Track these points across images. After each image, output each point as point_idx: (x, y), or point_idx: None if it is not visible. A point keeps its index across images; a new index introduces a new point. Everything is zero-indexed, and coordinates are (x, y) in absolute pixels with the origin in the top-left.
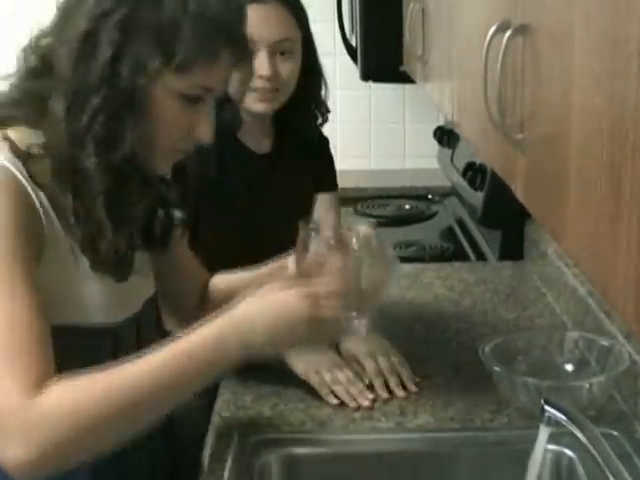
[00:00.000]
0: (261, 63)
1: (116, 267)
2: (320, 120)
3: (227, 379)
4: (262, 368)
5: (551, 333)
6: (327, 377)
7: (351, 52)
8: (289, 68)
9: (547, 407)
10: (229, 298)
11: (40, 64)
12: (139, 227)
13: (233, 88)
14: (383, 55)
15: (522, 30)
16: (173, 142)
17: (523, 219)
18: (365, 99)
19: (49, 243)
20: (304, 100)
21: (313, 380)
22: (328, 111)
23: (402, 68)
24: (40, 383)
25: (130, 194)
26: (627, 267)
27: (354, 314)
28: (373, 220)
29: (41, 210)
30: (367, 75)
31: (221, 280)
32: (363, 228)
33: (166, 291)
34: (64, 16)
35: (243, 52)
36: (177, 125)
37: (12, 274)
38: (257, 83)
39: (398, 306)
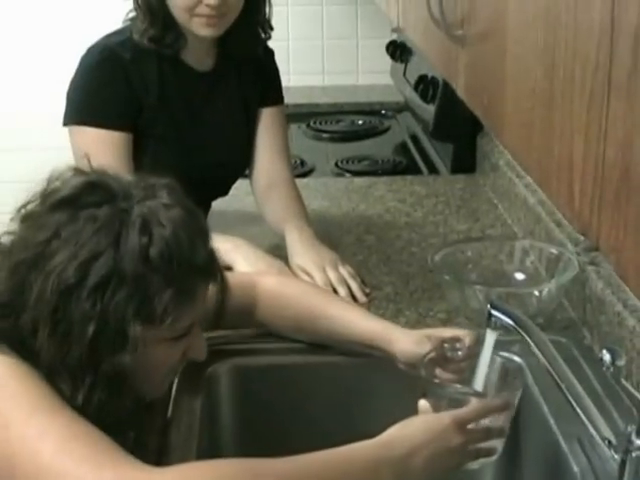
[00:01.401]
0: None
1: None
2: (263, 37)
3: None
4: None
5: (501, 242)
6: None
7: None
8: None
9: (494, 311)
10: None
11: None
12: None
13: (178, 12)
14: None
15: None
16: (167, 372)
17: (475, 132)
18: (317, 15)
19: None
20: (248, 19)
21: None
22: (271, 29)
23: None
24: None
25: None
26: (560, 152)
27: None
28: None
29: None
30: None
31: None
32: (463, 335)
33: None
34: (18, 275)
35: (213, 272)
36: (169, 361)
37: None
38: (204, 10)
39: (349, 218)
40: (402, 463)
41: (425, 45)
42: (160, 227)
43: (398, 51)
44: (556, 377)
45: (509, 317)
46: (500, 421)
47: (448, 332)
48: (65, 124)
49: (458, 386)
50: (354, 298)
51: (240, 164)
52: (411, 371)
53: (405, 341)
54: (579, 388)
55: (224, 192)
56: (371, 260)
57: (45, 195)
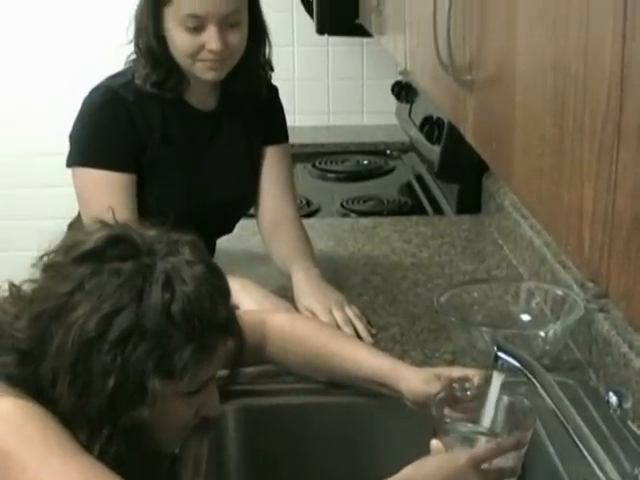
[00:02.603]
0: (211, 38)
1: None
2: (265, 77)
3: None
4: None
5: (507, 284)
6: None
7: (307, 6)
8: (238, 38)
9: (500, 353)
10: None
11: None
12: None
13: (181, 58)
14: (339, 8)
15: None
16: (181, 427)
17: (480, 172)
18: (323, 55)
19: None
20: (250, 61)
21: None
22: (272, 69)
23: (358, 21)
24: None
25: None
26: (570, 200)
27: None
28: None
29: None
30: (323, 29)
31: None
32: (473, 374)
33: None
34: (41, 328)
35: (232, 329)
36: (184, 416)
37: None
38: (207, 56)
39: (354, 258)
40: None
41: (432, 89)
42: (182, 284)
43: (403, 92)
44: (562, 419)
45: (515, 359)
46: (511, 460)
47: (457, 371)
48: (68, 165)
49: (470, 425)
50: (360, 339)
51: (244, 203)
52: (419, 410)
53: (413, 379)
54: (585, 430)
55: (229, 230)
56: (377, 301)
57: (69, 247)
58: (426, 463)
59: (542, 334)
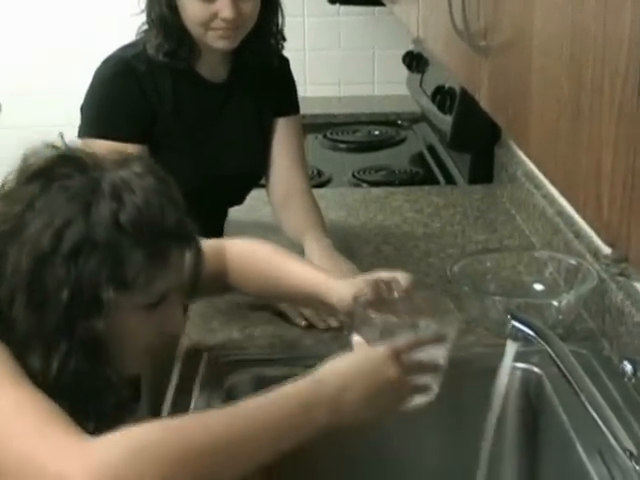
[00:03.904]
0: (224, 6)
1: None
2: (277, 47)
3: (195, 303)
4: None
5: (520, 253)
6: (307, 312)
7: None
8: (251, 6)
9: (514, 322)
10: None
11: None
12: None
13: (193, 26)
14: None
15: None
16: (144, 346)
17: (492, 142)
18: (334, 25)
19: None
20: (262, 31)
21: (282, 304)
22: (284, 39)
23: None
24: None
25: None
26: (588, 163)
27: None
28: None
29: None
30: None
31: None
32: (401, 277)
33: None
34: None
35: (185, 237)
36: (145, 333)
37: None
38: (219, 24)
39: (366, 228)
40: (335, 399)
41: (446, 56)
42: (131, 194)
43: (415, 62)
44: (576, 388)
45: (529, 327)
46: (434, 355)
47: (385, 274)
48: (80, 136)
49: (391, 316)
50: None
51: (255, 174)
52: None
53: (343, 287)
54: (599, 399)
55: (240, 201)
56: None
57: (21, 171)
58: (343, 358)
59: (555, 303)
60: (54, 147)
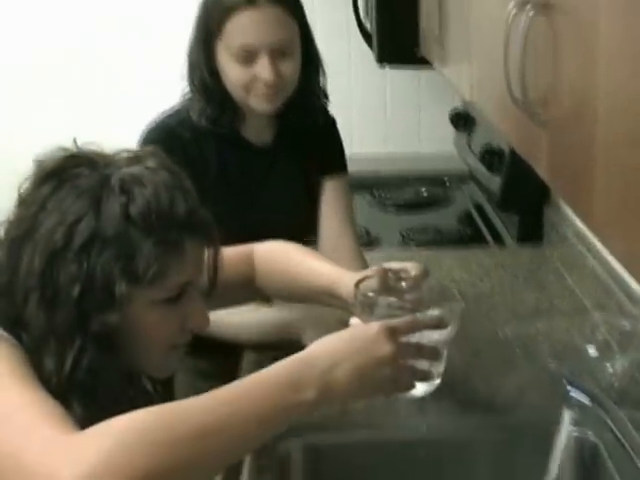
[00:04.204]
0: (263, 68)
1: None
2: (320, 107)
3: (246, 367)
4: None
5: (572, 315)
6: None
7: (366, 37)
8: (291, 67)
9: (571, 389)
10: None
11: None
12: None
13: (235, 90)
14: (398, 38)
15: (544, 8)
16: (168, 344)
17: (542, 202)
18: (381, 83)
19: None
20: (304, 91)
21: None
22: (327, 98)
23: (418, 51)
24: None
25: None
26: None
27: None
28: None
29: None
30: (382, 58)
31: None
32: (411, 267)
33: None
34: (12, 252)
35: (200, 227)
36: (167, 329)
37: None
38: (260, 87)
39: None
40: (325, 376)
41: (501, 123)
42: (141, 187)
43: (462, 121)
44: (633, 454)
45: (585, 394)
46: (434, 340)
47: (395, 264)
48: None
49: (392, 299)
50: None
51: (300, 236)
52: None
53: (352, 279)
54: None
55: None
56: None
57: (34, 174)
58: (334, 335)
59: (609, 368)
60: (66, 150)
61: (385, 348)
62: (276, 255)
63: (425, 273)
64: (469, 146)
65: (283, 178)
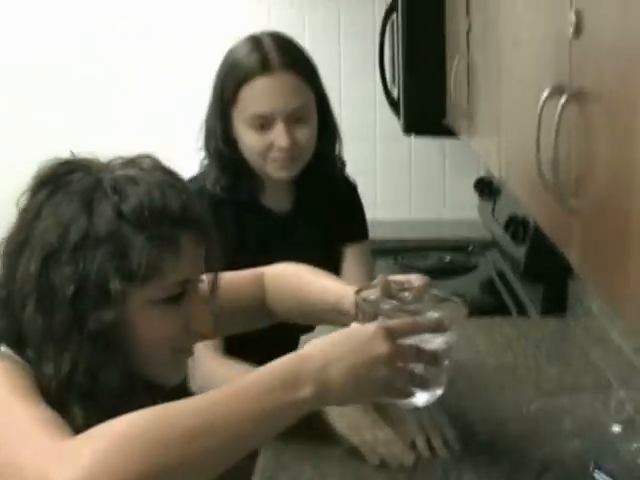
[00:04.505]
0: (279, 135)
1: None
2: (336, 173)
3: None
4: (302, 424)
5: (596, 392)
6: (368, 436)
7: (393, 104)
8: (307, 134)
9: (597, 473)
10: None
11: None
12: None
13: (252, 158)
14: (425, 108)
15: (578, 97)
16: (171, 346)
17: (566, 274)
18: (405, 149)
19: None
20: (321, 157)
21: (354, 439)
22: (343, 164)
23: (445, 122)
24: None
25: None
26: None
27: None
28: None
29: None
30: (409, 128)
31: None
32: (415, 279)
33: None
34: (11, 263)
35: (195, 223)
36: (168, 330)
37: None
38: (276, 154)
39: None
40: (320, 374)
41: (531, 204)
42: (134, 186)
43: (486, 189)
44: None
45: (610, 476)
46: (435, 345)
47: (400, 276)
48: None
49: (394, 302)
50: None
51: None
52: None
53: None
54: None
55: (311, 328)
56: (462, 404)
57: (32, 183)
58: (331, 335)
59: (635, 447)
60: (60, 158)
61: (382, 348)
62: (287, 275)
63: (428, 284)
64: (493, 214)
65: (302, 245)
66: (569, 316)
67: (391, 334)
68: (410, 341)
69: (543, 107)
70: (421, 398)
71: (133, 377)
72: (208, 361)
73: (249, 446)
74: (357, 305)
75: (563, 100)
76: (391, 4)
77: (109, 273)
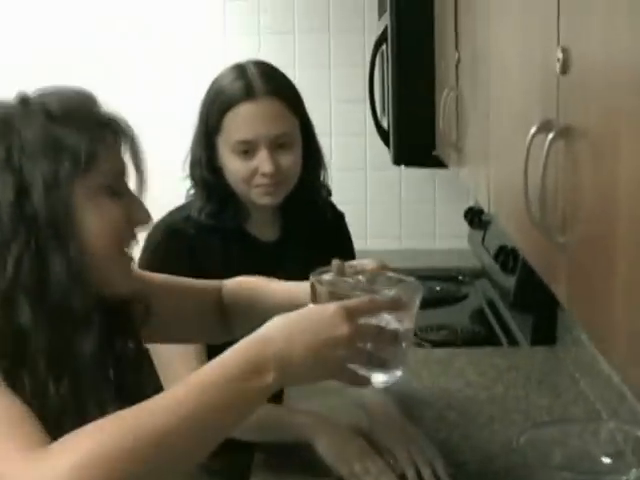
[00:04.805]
0: (262, 161)
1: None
2: (323, 202)
3: (256, 467)
4: (291, 454)
5: (586, 423)
6: (357, 467)
7: (382, 134)
8: (290, 160)
9: None
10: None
11: None
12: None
13: (236, 185)
14: (415, 140)
15: (565, 132)
16: (116, 243)
17: (556, 304)
18: (395, 179)
19: None
20: (305, 185)
21: (343, 470)
22: (329, 194)
23: (435, 153)
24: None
25: (73, 339)
26: None
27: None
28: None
29: None
30: (399, 160)
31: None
32: (368, 262)
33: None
34: None
35: (115, 125)
36: (114, 219)
37: None
38: (260, 180)
39: (430, 392)
40: (282, 358)
41: (520, 240)
42: (53, 94)
43: (476, 218)
44: None
45: None
46: (393, 324)
47: (354, 261)
48: None
49: (350, 281)
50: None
51: None
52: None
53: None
54: None
55: None
56: (453, 437)
57: None
58: (290, 314)
59: (625, 479)
60: None
61: (342, 329)
62: (242, 284)
63: (383, 266)
64: (483, 244)
65: (290, 273)
66: (559, 346)
67: (350, 314)
68: (371, 321)
69: (531, 142)
70: (379, 378)
71: (82, 280)
72: (180, 366)
73: (218, 438)
74: (312, 286)
75: (551, 136)
76: (381, 35)
77: (57, 163)
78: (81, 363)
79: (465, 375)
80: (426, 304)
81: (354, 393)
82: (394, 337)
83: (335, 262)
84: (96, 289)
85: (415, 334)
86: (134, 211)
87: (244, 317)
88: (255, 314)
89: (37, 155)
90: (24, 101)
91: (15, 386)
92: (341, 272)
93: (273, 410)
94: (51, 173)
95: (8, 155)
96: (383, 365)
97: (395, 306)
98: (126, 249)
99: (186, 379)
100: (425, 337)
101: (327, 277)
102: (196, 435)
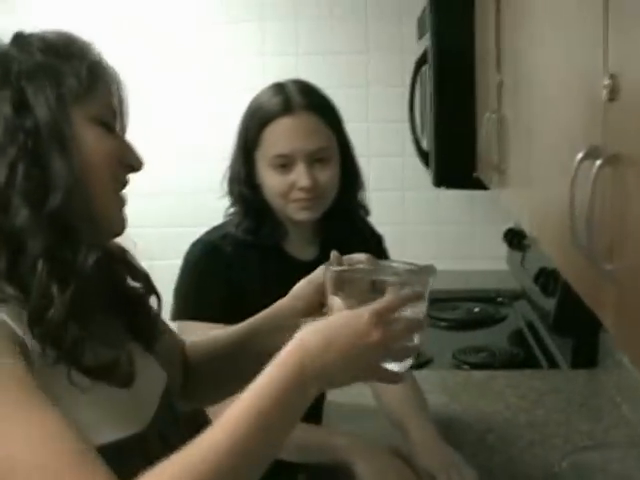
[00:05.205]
0: (300, 175)
1: (110, 369)
2: (361, 222)
3: None
4: (333, 476)
5: (628, 448)
6: None
7: (422, 154)
8: (328, 175)
9: None
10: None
11: None
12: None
13: (274, 200)
14: (456, 162)
15: (614, 160)
16: (108, 178)
17: (597, 326)
18: (433, 200)
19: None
20: (343, 202)
21: None
22: (368, 213)
23: (476, 175)
24: None
25: (75, 252)
26: None
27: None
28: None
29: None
30: (440, 182)
31: (197, 346)
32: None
33: None
34: None
35: (106, 67)
36: (109, 151)
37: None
38: (298, 195)
39: (469, 415)
40: (322, 372)
41: (564, 266)
42: (50, 32)
43: (516, 239)
44: None
45: None
46: (415, 314)
47: (350, 255)
48: (173, 319)
49: (364, 266)
50: None
51: None
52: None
53: (297, 290)
54: None
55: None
56: (493, 461)
57: None
58: (327, 324)
59: None
60: None
61: (376, 335)
62: (201, 342)
63: (373, 259)
64: (523, 265)
65: None
66: (600, 369)
67: (381, 317)
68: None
69: (577, 170)
70: (394, 369)
71: (82, 191)
72: None
73: (276, 452)
74: (326, 279)
75: (598, 163)
76: (421, 56)
77: (55, 90)
78: (84, 276)
79: (504, 398)
80: (464, 325)
81: (392, 416)
82: (420, 327)
83: (334, 253)
84: (93, 215)
85: (457, 357)
86: (127, 153)
87: (214, 370)
88: (229, 358)
89: (38, 78)
90: (20, 36)
91: (20, 287)
92: (339, 260)
93: (313, 431)
94: (53, 93)
95: (6, 79)
96: (408, 356)
97: (419, 297)
98: (120, 192)
99: (235, 406)
100: (464, 359)
101: (338, 268)
102: (255, 465)
